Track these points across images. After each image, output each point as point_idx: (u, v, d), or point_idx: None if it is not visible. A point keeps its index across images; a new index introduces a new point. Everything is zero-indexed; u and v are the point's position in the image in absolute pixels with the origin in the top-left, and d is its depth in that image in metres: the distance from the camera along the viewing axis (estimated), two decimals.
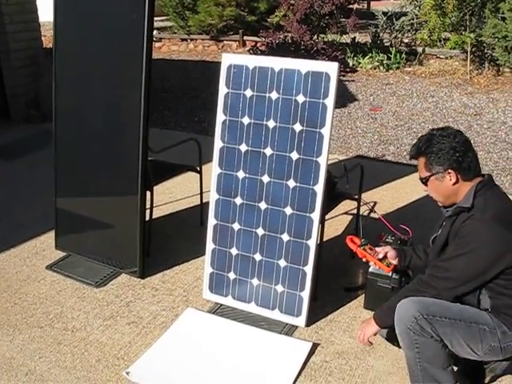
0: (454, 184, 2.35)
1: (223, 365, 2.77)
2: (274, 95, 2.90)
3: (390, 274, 2.89)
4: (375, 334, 2.56)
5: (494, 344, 2.29)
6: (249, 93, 2.96)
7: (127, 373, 2.69)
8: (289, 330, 2.99)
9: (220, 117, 3.05)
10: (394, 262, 2.77)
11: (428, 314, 2.26)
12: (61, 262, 3.68)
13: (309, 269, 2.92)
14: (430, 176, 2.39)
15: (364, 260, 2.82)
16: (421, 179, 2.46)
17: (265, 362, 2.79)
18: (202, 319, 3.10)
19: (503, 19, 8.02)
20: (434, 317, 2.26)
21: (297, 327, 3.01)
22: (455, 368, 2.43)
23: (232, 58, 3.02)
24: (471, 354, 2.33)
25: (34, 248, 3.87)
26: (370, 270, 2.99)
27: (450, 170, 2.34)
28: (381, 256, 2.78)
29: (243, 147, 3.00)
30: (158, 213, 4.25)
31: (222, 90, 3.03)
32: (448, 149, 2.32)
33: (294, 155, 2.87)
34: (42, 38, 7.17)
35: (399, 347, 2.44)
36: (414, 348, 2.29)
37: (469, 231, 2.29)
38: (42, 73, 6.56)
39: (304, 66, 2.83)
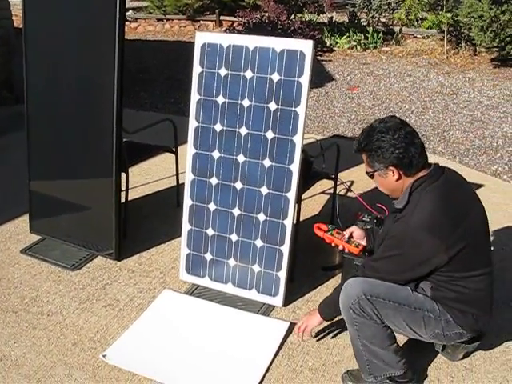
0: (398, 180, 2.33)
1: (200, 346, 2.77)
2: (248, 74, 2.86)
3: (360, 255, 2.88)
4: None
5: (437, 331, 2.32)
6: (223, 72, 2.92)
7: (104, 356, 2.67)
8: (266, 310, 2.99)
9: (194, 96, 3.01)
10: (363, 242, 2.77)
11: (372, 294, 2.28)
12: (35, 245, 3.63)
13: (285, 248, 2.92)
14: (373, 172, 2.39)
15: (333, 245, 2.81)
16: (366, 173, 2.46)
17: (242, 343, 2.79)
18: (178, 300, 3.09)
19: None
20: (378, 298, 2.28)
21: (274, 307, 3.01)
22: None
23: (206, 36, 2.97)
24: (417, 336, 2.38)
25: (8, 232, 3.81)
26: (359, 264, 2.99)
27: (391, 167, 2.31)
28: (347, 236, 2.76)
29: (218, 127, 2.97)
30: (134, 194, 4.21)
31: (196, 69, 2.99)
32: (387, 146, 2.28)
33: (270, 134, 2.85)
34: (14, 18, 7.01)
35: None
36: (353, 325, 2.34)
37: (395, 234, 2.31)
38: (13, 53, 6.42)
39: (279, 44, 2.80)
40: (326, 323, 2.70)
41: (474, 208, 2.33)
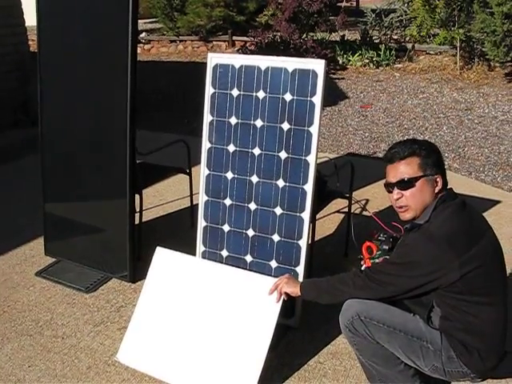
0: (438, 192, 2.24)
1: (206, 315, 2.76)
2: (260, 94, 2.86)
3: None
4: (289, 296, 2.57)
5: (436, 365, 2.20)
6: (235, 92, 2.92)
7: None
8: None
9: (207, 117, 3.01)
10: None
11: (366, 316, 2.22)
12: (50, 268, 3.64)
13: (300, 269, 2.89)
14: (421, 176, 2.22)
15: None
16: (407, 180, 2.23)
17: (248, 302, 2.72)
18: (175, 265, 3.01)
19: (491, 14, 8.02)
20: (371, 320, 2.21)
21: (289, 328, 2.97)
22: None
23: (218, 57, 2.98)
24: (417, 367, 2.26)
25: (22, 254, 3.82)
26: (363, 268, 2.95)
27: (438, 174, 2.24)
28: None
29: (231, 147, 2.97)
30: (148, 215, 4.21)
31: (209, 90, 2.99)
32: (437, 153, 2.27)
33: (283, 154, 2.84)
34: (30, 43, 7.11)
35: None
36: (353, 345, 2.33)
37: (410, 242, 2.21)
38: (29, 77, 6.51)
39: (290, 63, 2.79)
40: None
41: (487, 232, 2.24)
